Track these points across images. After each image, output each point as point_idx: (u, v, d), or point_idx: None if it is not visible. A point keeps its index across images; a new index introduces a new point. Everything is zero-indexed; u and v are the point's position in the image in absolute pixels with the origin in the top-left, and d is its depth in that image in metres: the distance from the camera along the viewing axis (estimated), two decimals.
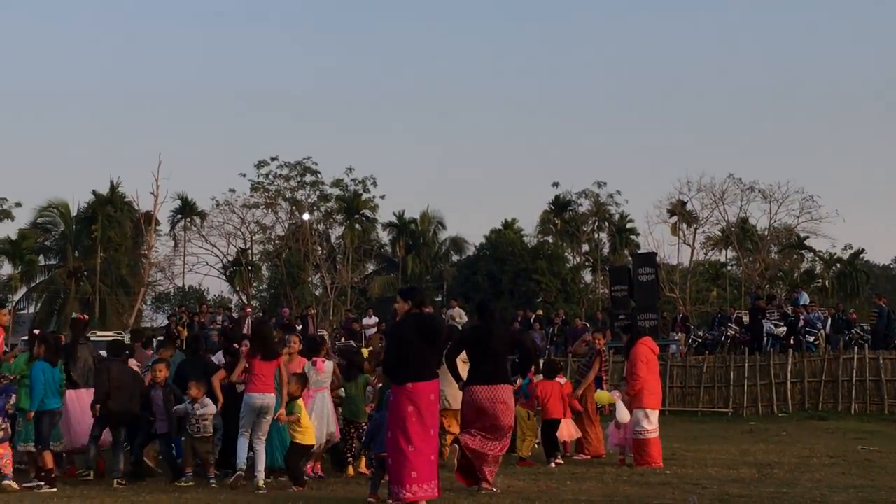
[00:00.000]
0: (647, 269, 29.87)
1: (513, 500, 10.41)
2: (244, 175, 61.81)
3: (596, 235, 67.47)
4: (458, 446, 11.32)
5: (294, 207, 62.42)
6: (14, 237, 60.59)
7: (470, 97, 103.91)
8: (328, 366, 13.47)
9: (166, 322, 36.24)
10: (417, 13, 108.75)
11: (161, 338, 21.38)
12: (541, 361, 16.67)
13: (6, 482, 11.45)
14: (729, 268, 66.08)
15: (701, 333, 32.36)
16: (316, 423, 12.65)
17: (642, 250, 51.33)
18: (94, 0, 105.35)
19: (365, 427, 12.94)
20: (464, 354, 11.79)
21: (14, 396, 11.96)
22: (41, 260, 62.89)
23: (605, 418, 16.23)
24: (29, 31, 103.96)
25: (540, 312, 36.57)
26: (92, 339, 18.38)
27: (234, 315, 35.40)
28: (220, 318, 31.35)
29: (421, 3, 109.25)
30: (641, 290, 29.21)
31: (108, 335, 27.83)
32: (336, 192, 63.68)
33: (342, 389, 13.67)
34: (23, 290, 61.87)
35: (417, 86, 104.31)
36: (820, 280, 66.36)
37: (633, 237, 65.19)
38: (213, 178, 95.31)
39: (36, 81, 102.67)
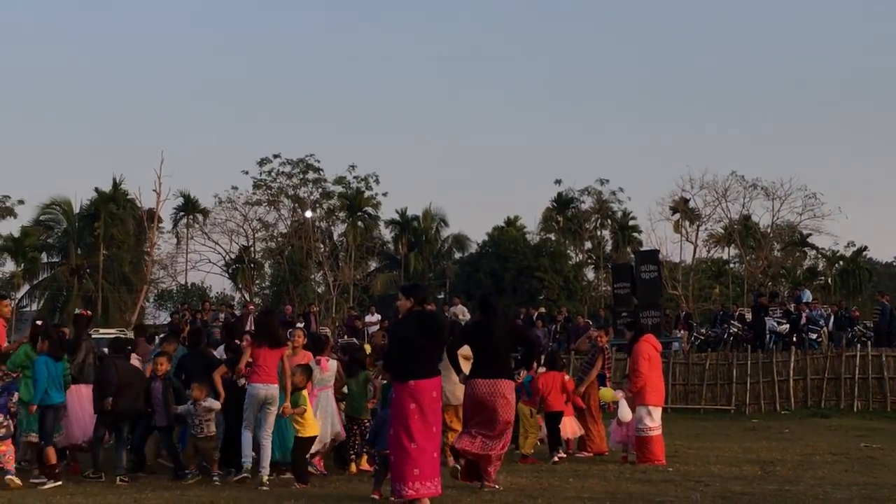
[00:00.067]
0: (650, 266, 29.87)
1: (515, 498, 10.41)
2: (247, 172, 61.82)
3: (598, 233, 67.40)
4: (458, 465, 11.33)
5: (296, 205, 62.40)
6: (17, 234, 60.64)
7: (472, 94, 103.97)
8: (332, 364, 13.48)
9: (169, 319, 36.29)
10: (420, 10, 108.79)
11: (164, 334, 21.38)
12: (542, 357, 16.70)
13: (9, 477, 11.46)
14: (731, 265, 66.03)
15: (703, 331, 32.36)
16: (321, 422, 12.65)
17: (645, 248, 51.25)
18: None
19: (367, 424, 12.96)
20: (467, 351, 11.80)
21: (17, 394, 11.96)
22: (44, 257, 62.94)
23: (608, 415, 16.23)
24: (31, 28, 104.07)
25: (542, 310, 36.56)
26: (94, 336, 18.38)
27: (237, 312, 35.40)
28: (222, 315, 31.34)
29: (423, 1, 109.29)
30: (644, 288, 29.21)
31: (110, 332, 27.85)
32: (338, 189, 63.69)
33: (345, 388, 13.68)
34: (25, 288, 61.95)
35: (420, 83, 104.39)
36: (822, 277, 66.29)
37: (635, 234, 65.12)
38: (216, 176, 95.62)
39: (38, 79, 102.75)
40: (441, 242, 68.79)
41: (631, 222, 65.95)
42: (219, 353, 15.46)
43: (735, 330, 30.47)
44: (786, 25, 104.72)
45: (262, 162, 61.55)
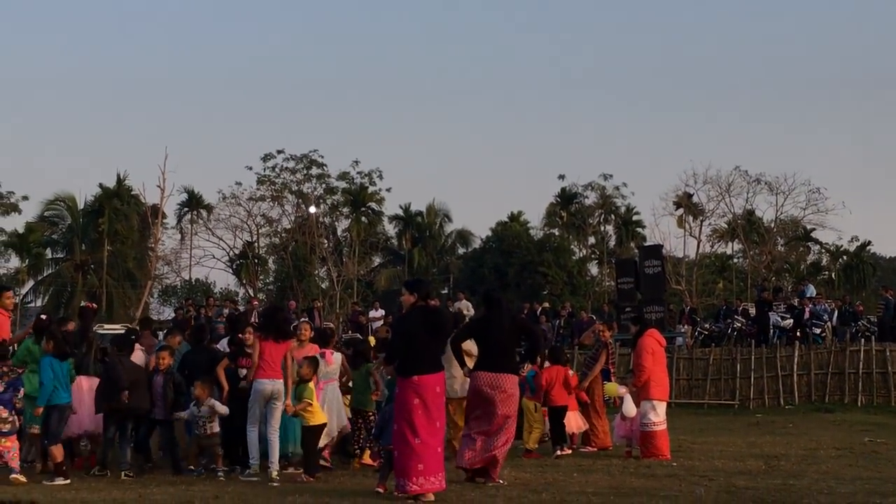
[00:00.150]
0: (654, 261, 29.85)
1: (519, 493, 10.42)
2: (250, 168, 61.96)
3: (602, 228, 67.42)
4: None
5: (300, 200, 62.47)
6: (21, 230, 60.79)
7: (476, 89, 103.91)
8: (337, 357, 13.49)
9: (173, 315, 36.31)
10: (423, 6, 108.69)
11: (167, 329, 21.40)
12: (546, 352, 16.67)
13: (13, 476, 11.46)
14: (735, 260, 65.98)
15: (707, 326, 32.33)
16: (327, 415, 12.66)
17: (648, 243, 51.24)
18: None
19: (372, 417, 12.97)
20: (473, 349, 11.82)
21: (22, 390, 11.97)
22: (48, 253, 63.09)
23: (612, 410, 16.24)
24: (34, 24, 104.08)
25: (546, 305, 36.56)
26: (99, 332, 18.37)
27: (241, 308, 35.43)
28: (226, 311, 31.35)
29: None
30: (647, 283, 29.18)
31: (115, 328, 27.88)
32: (342, 185, 63.77)
33: (350, 382, 13.69)
34: (30, 284, 62.11)
35: (423, 79, 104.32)
36: (826, 272, 66.27)
37: (639, 230, 65.12)
38: (220, 172, 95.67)
39: (41, 75, 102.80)
40: (445, 238, 68.81)
41: (634, 217, 65.98)
42: (222, 346, 15.48)
43: (739, 325, 30.44)
44: (790, 19, 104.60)
45: (265, 157, 61.73)
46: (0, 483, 11.31)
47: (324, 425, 12.21)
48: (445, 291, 56.64)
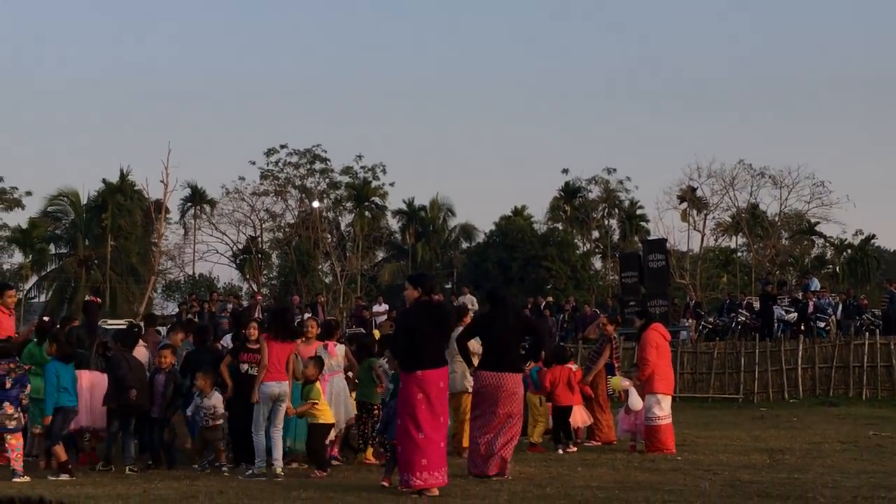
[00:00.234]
0: (658, 255, 29.82)
1: (524, 487, 10.41)
2: (254, 163, 61.95)
3: (606, 222, 67.33)
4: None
5: (304, 195, 62.47)
6: (24, 226, 60.82)
7: (479, 84, 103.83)
8: (340, 349, 13.50)
9: (177, 310, 36.30)
10: (426, 0, 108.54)
11: (171, 325, 21.40)
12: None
13: (16, 479, 11.42)
14: (739, 254, 65.90)
15: (711, 320, 32.31)
16: (333, 408, 12.66)
17: (652, 237, 51.16)
18: None
19: (377, 412, 12.97)
20: (478, 347, 11.83)
21: (28, 386, 11.98)
22: (52, 248, 63.16)
23: (616, 404, 16.23)
24: (37, 21, 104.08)
25: (550, 299, 36.55)
26: (103, 327, 18.37)
27: (245, 303, 35.45)
28: (230, 306, 31.32)
29: None
30: (651, 277, 29.16)
31: (119, 323, 27.87)
32: (345, 179, 63.76)
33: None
34: (33, 279, 62.20)
35: (426, 73, 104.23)
36: (831, 266, 66.16)
37: (643, 224, 65.02)
38: (223, 167, 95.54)
39: (45, 71, 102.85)
40: (448, 232, 68.77)
41: (638, 211, 65.87)
42: (226, 341, 15.48)
43: (743, 319, 30.42)
44: (793, 13, 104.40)
45: (269, 152, 61.70)
46: (3, 480, 11.31)
47: (331, 426, 12.22)
48: (449, 286, 56.57)
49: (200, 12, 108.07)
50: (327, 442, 12.37)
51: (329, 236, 62.02)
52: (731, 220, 60.17)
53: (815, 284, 33.17)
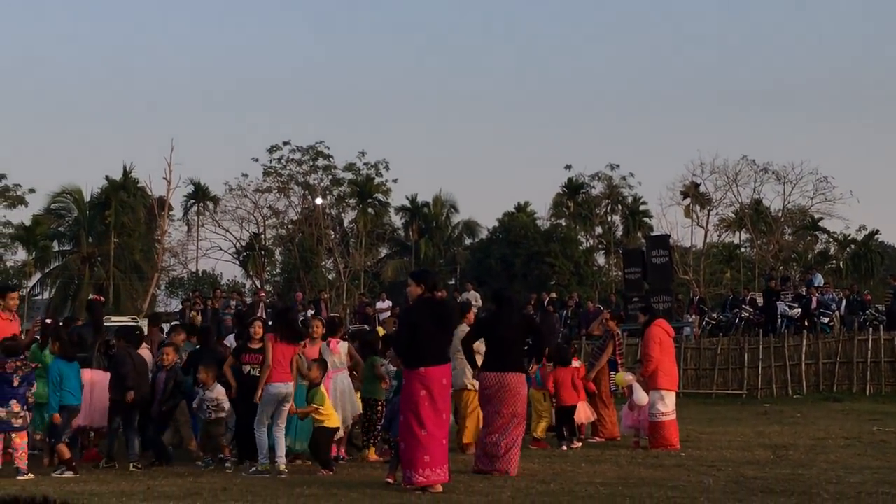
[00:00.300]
0: (661, 251, 29.83)
1: (528, 483, 10.41)
2: (257, 160, 61.90)
3: (609, 218, 67.34)
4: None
5: (307, 192, 62.46)
6: (28, 223, 60.87)
7: (482, 80, 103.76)
8: (342, 347, 13.48)
9: (180, 307, 36.34)
10: None
11: (175, 322, 21.42)
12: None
13: (20, 477, 11.43)
14: (742, 250, 65.85)
15: (715, 315, 32.29)
16: (339, 405, 12.66)
17: (655, 233, 51.19)
18: None
19: (381, 407, 12.97)
20: (481, 347, 11.84)
21: (35, 385, 12.00)
22: (55, 246, 63.23)
23: (619, 401, 16.23)
24: (41, 17, 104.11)
25: (553, 295, 36.56)
26: (106, 324, 18.39)
27: (248, 300, 35.48)
28: (233, 302, 31.39)
29: None
30: (655, 273, 29.16)
31: (122, 320, 27.90)
32: (349, 176, 63.76)
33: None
34: (37, 276, 62.30)
35: (429, 69, 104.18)
36: (834, 261, 66.11)
37: (646, 219, 65.03)
38: (226, 163, 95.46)
39: (48, 68, 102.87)
40: (451, 228, 68.79)
41: (641, 207, 65.84)
42: (230, 341, 15.48)
43: (746, 314, 30.39)
44: (795, 8, 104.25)
45: (271, 149, 61.68)
46: (7, 477, 11.31)
47: (336, 429, 12.23)
48: (453, 282, 56.62)
49: (204, 9, 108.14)
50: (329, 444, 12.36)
51: (332, 233, 62.01)
52: (734, 215, 60.08)
53: (819, 280, 33.13)
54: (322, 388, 12.06)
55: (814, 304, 29.00)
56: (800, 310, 29.01)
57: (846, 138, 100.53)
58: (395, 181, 64.72)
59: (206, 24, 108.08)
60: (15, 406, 11.58)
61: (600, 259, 66.27)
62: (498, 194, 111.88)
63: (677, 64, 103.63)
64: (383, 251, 68.35)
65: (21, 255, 62.49)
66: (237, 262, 64.65)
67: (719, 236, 63.46)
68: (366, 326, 27.26)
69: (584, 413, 15.07)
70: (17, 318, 13.70)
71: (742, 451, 13.86)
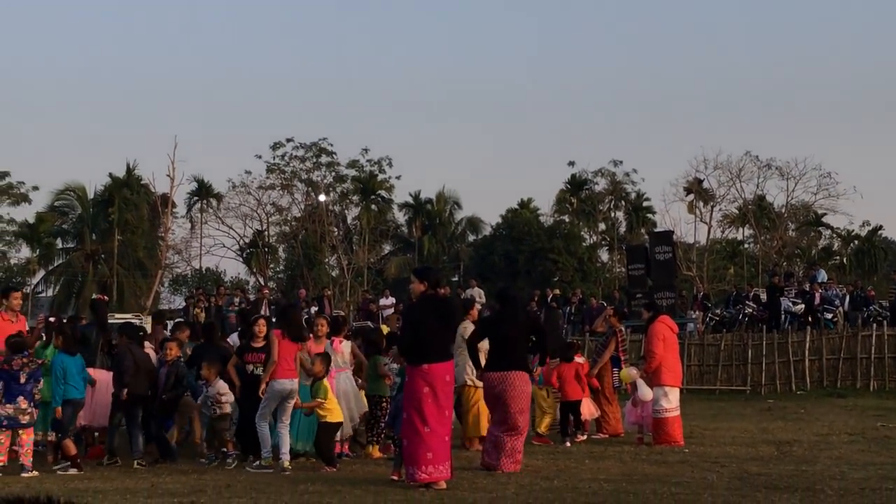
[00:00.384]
0: (664, 247, 29.81)
1: (532, 479, 10.42)
2: (260, 157, 61.95)
3: (612, 214, 67.29)
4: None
5: (310, 189, 62.49)
6: (31, 220, 60.95)
7: (484, 76, 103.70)
8: (346, 346, 13.48)
9: (184, 304, 36.37)
10: None
11: (178, 319, 21.46)
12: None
13: (25, 474, 11.44)
14: (746, 246, 65.77)
15: (718, 311, 32.28)
16: (343, 404, 12.66)
17: (659, 229, 51.03)
18: None
19: (385, 404, 12.97)
20: (485, 345, 11.84)
21: (42, 381, 12.02)
22: (58, 243, 63.28)
23: (623, 397, 16.23)
24: (44, 14, 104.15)
25: (557, 292, 36.56)
26: (109, 321, 18.41)
27: (251, 297, 35.49)
28: (237, 299, 31.42)
29: None
30: (658, 269, 29.15)
31: (126, 317, 27.94)
32: (352, 173, 63.79)
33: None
34: (41, 274, 62.40)
35: (432, 66, 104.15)
36: (838, 257, 66.00)
37: (649, 216, 64.98)
38: (229, 160, 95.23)
39: (51, 65, 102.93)
40: (455, 225, 68.77)
41: (645, 203, 65.78)
42: (233, 339, 15.48)
43: (750, 310, 30.37)
44: (798, 6, 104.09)
45: (275, 146, 61.72)
46: (11, 475, 11.32)
47: (339, 424, 12.23)
48: (456, 279, 56.57)
49: (207, 6, 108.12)
50: (337, 439, 12.38)
51: (335, 230, 62.03)
52: (737, 211, 60.04)
53: (822, 276, 33.12)
54: (325, 381, 12.07)
55: (817, 300, 28.97)
56: (803, 306, 28.99)
57: (850, 134, 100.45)
58: (398, 178, 64.86)
59: (209, 21, 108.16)
60: (22, 402, 11.61)
61: (604, 255, 66.24)
62: (501, 191, 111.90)
63: (680, 60, 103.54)
64: (386, 248, 68.36)
65: (25, 252, 62.68)
66: (241, 260, 64.74)
67: (723, 232, 63.46)
68: (369, 323, 27.26)
69: (587, 409, 15.09)
70: (20, 317, 13.71)
71: (746, 447, 13.86)
